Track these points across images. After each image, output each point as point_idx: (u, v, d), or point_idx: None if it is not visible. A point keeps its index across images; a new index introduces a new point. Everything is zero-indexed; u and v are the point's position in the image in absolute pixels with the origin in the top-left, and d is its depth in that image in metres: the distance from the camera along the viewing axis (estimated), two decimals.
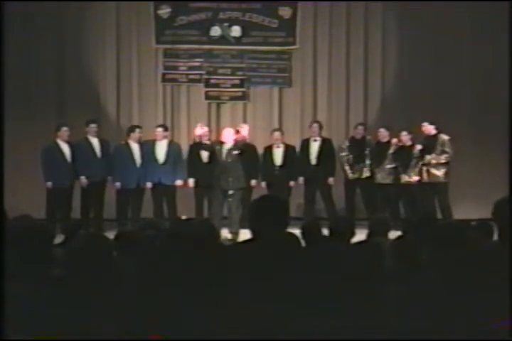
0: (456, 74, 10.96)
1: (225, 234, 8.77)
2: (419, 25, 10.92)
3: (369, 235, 5.33)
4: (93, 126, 9.88)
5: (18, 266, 3.48)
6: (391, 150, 9.96)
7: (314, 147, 10.22)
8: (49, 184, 9.61)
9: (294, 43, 11.11)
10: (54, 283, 3.10)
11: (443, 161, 9.74)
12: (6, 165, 9.68)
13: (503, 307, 2.68)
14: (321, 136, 10.28)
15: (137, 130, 9.94)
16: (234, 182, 9.01)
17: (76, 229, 5.59)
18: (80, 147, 9.81)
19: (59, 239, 5.09)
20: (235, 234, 8.85)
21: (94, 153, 9.84)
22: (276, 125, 10.95)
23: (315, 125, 10.32)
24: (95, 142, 9.87)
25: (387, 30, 11.07)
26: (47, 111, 10.89)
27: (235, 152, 9.04)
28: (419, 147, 9.82)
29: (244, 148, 9.17)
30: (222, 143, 9.22)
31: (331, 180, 10.10)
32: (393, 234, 5.30)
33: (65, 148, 9.73)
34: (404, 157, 9.84)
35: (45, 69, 10.91)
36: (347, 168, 10.16)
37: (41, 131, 10.37)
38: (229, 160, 9.04)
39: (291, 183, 10.13)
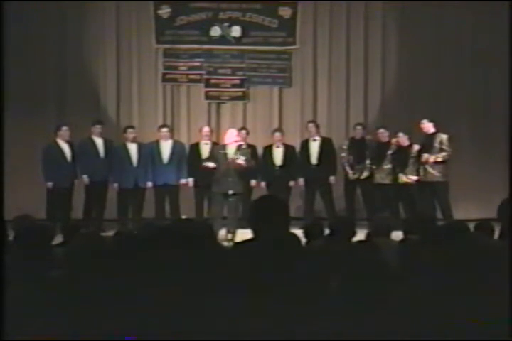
0: (456, 74, 10.97)
1: (224, 233, 8.76)
2: (419, 25, 10.93)
3: (369, 235, 5.33)
4: (98, 126, 9.92)
5: (18, 266, 3.48)
6: (390, 151, 9.96)
7: (314, 147, 10.20)
8: (49, 184, 9.62)
9: (294, 43, 11.11)
10: (54, 283, 3.10)
11: (440, 159, 9.70)
12: (6, 165, 9.67)
13: (503, 307, 2.68)
14: (320, 136, 10.28)
15: (128, 130, 9.96)
16: (233, 183, 8.95)
17: (76, 229, 5.59)
18: (84, 146, 9.84)
19: (59, 239, 5.09)
20: (233, 233, 8.85)
21: (98, 153, 9.86)
22: (276, 125, 10.95)
23: (310, 125, 10.30)
24: (99, 142, 9.90)
25: (387, 30, 11.07)
26: (47, 111, 10.90)
27: (241, 158, 8.94)
28: (417, 147, 9.81)
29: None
30: (224, 145, 9.14)
31: (332, 179, 10.09)
32: (394, 235, 5.30)
33: (65, 148, 9.74)
34: (402, 157, 9.83)
35: (46, 69, 10.91)
36: (348, 168, 10.15)
37: (41, 130, 10.38)
38: (231, 165, 8.97)
39: (291, 183, 10.13)
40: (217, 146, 9.36)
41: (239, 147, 9.04)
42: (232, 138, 9.05)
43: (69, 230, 5.51)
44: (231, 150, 8.96)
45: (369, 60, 11.14)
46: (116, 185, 9.87)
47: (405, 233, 5.17)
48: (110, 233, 5.54)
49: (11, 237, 4.27)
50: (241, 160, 8.83)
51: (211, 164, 8.98)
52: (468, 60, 10.97)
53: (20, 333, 2.84)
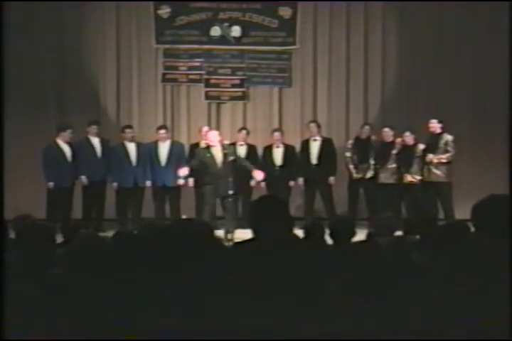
0: (456, 74, 10.96)
1: (223, 233, 8.74)
2: (419, 25, 10.93)
3: (371, 235, 5.32)
4: (94, 127, 9.93)
5: (19, 266, 3.48)
6: (395, 150, 9.94)
7: (315, 147, 10.20)
8: (50, 184, 9.63)
9: (294, 43, 11.11)
10: (54, 283, 3.10)
11: (444, 160, 9.72)
12: (6, 165, 9.67)
13: (503, 307, 2.68)
14: (320, 136, 10.27)
15: (127, 130, 9.99)
16: (232, 184, 8.88)
17: (76, 229, 5.59)
18: (81, 147, 9.85)
19: (59, 239, 5.09)
20: (232, 233, 8.82)
21: (95, 153, 9.88)
22: (276, 125, 10.95)
23: (312, 124, 10.31)
24: (96, 142, 9.91)
25: (387, 30, 11.07)
26: (47, 111, 10.90)
27: (231, 158, 8.92)
28: (422, 146, 9.81)
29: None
30: (209, 147, 9.01)
31: (331, 179, 10.09)
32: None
33: (66, 149, 9.76)
34: (407, 157, 9.82)
35: (45, 70, 10.91)
36: (351, 167, 10.13)
37: (41, 130, 10.39)
38: (224, 167, 8.88)
39: (291, 183, 10.13)
40: (201, 150, 9.23)
41: (223, 146, 9.02)
42: (215, 139, 9.01)
43: (69, 230, 5.52)
44: (217, 152, 8.92)
45: (369, 60, 11.14)
46: (115, 184, 9.87)
47: (406, 233, 5.18)
48: (110, 233, 5.54)
49: (12, 236, 4.27)
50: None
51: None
52: (468, 60, 10.96)
53: (20, 333, 2.84)
